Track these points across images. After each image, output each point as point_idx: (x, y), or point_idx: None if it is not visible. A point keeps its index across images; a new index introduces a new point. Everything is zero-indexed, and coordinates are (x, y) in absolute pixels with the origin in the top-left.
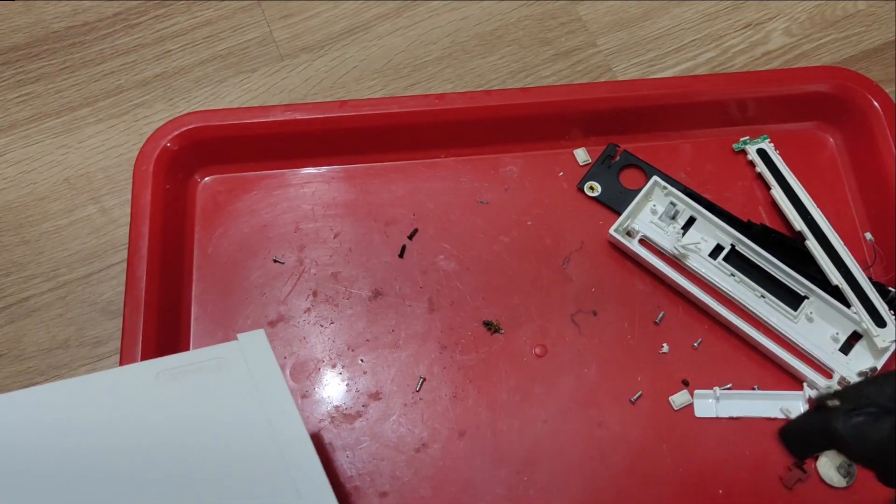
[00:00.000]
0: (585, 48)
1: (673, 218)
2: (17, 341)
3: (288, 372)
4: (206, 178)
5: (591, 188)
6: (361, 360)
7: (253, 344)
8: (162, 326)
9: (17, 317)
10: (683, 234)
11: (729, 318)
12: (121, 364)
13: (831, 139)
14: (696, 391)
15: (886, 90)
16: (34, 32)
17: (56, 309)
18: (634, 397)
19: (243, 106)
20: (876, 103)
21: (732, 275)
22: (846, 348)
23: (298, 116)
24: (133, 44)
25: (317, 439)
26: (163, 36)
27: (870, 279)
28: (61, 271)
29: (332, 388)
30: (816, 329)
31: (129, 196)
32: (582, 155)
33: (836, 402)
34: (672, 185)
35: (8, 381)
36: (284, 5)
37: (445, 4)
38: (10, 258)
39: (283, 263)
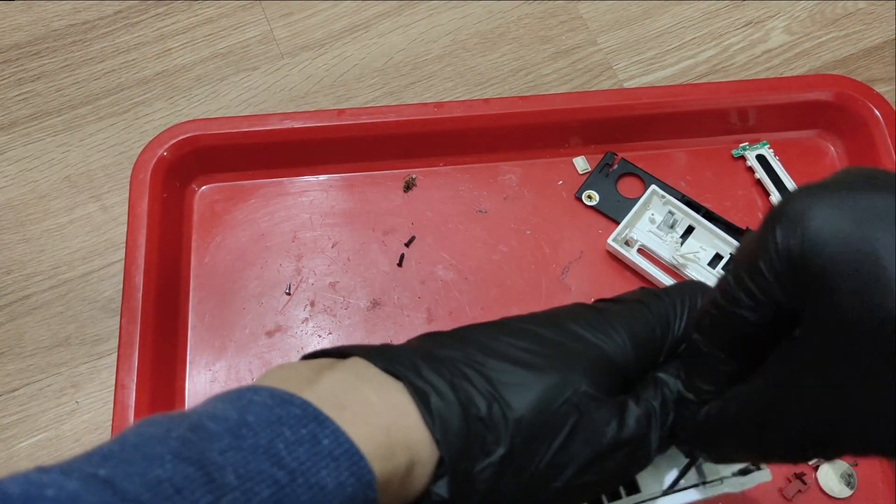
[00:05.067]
0: (586, 46)
1: (671, 227)
2: (17, 339)
3: None
4: (204, 187)
5: (590, 197)
6: None
7: None
8: (159, 336)
9: (17, 314)
10: (682, 244)
11: None
12: (117, 374)
13: (832, 148)
14: None
15: (887, 88)
16: (34, 31)
17: (57, 307)
18: None
19: (244, 103)
20: (877, 112)
21: None
22: None
23: (296, 125)
24: (134, 42)
25: None
26: (163, 34)
27: None
28: (62, 269)
29: None
30: None
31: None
32: (581, 163)
33: None
34: (670, 194)
35: (9, 379)
36: (285, 4)
37: (445, 3)
38: (10, 256)
39: (290, 295)
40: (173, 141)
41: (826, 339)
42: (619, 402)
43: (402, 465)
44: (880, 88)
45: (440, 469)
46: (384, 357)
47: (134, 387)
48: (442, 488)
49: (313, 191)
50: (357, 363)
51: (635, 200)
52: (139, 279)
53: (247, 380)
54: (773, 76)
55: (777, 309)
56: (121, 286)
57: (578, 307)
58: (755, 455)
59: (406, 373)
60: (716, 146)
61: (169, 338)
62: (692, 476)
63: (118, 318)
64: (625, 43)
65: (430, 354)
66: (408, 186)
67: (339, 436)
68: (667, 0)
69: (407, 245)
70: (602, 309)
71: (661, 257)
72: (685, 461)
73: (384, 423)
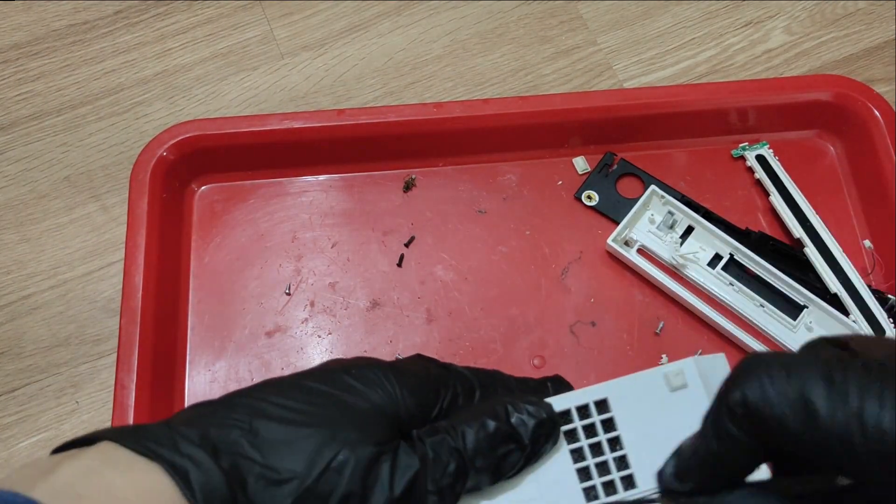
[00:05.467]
0: (586, 46)
1: (671, 227)
2: (17, 339)
3: None
4: (203, 188)
5: (589, 197)
6: None
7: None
8: (158, 336)
9: (17, 314)
10: (682, 244)
11: (728, 328)
12: (117, 374)
13: (831, 148)
14: None
15: (887, 88)
16: (35, 30)
17: (57, 307)
18: None
19: (244, 104)
20: (877, 112)
21: (731, 284)
22: None
23: (296, 125)
24: (134, 42)
25: None
26: (163, 34)
27: (869, 287)
28: (62, 269)
29: None
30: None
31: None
32: (581, 163)
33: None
34: (670, 194)
35: (9, 379)
36: (285, 4)
37: (445, 3)
38: (10, 256)
39: (289, 295)
40: (173, 141)
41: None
42: (393, 447)
43: None
44: (880, 88)
45: None
46: (135, 437)
47: (134, 387)
48: None
49: (313, 191)
50: (105, 447)
51: (635, 201)
52: (139, 279)
53: (246, 380)
54: (773, 76)
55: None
56: (120, 286)
57: (361, 359)
58: None
59: (160, 450)
60: (715, 146)
61: (169, 338)
62: None
63: (118, 318)
64: (625, 43)
65: (192, 426)
66: (407, 186)
67: None
68: (667, 0)
69: (407, 245)
70: (382, 361)
71: (660, 257)
72: None
73: None
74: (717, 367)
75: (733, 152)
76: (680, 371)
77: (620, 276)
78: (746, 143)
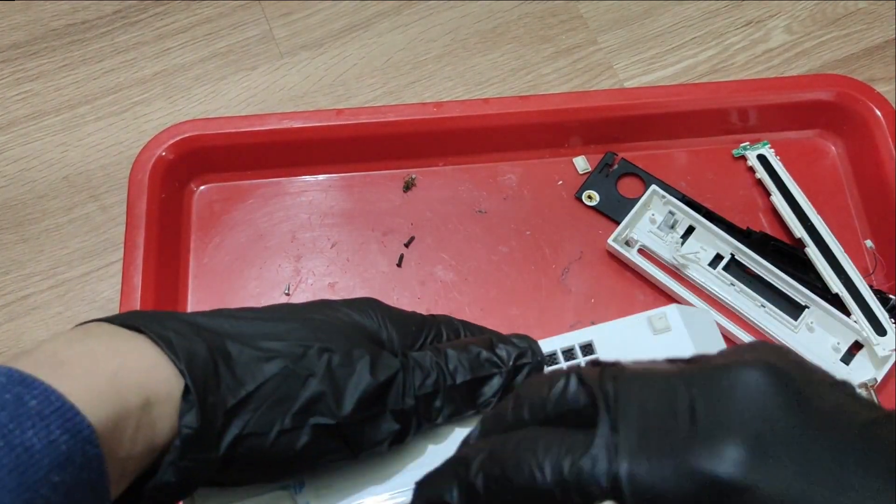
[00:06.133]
0: (586, 46)
1: (672, 227)
2: (16, 339)
3: None
4: (202, 187)
5: (590, 197)
6: None
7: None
8: None
9: (16, 315)
10: (682, 244)
11: (729, 328)
12: None
13: (833, 147)
14: None
15: (887, 88)
16: (33, 30)
17: (56, 307)
18: None
19: (243, 103)
20: (878, 112)
21: (732, 284)
22: (847, 358)
23: (295, 125)
24: (132, 41)
25: None
26: (162, 34)
27: (870, 287)
28: (61, 269)
29: None
30: (817, 339)
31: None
32: (581, 163)
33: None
34: (670, 194)
35: None
36: (284, 3)
37: (445, 2)
38: (9, 256)
39: (289, 295)
40: (172, 141)
41: None
42: (375, 350)
43: (132, 406)
44: (881, 88)
45: (188, 403)
46: (123, 315)
47: None
48: (191, 419)
49: (312, 191)
50: (91, 325)
51: (635, 200)
52: (138, 280)
53: None
54: (773, 76)
55: None
56: (119, 286)
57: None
58: None
59: (146, 323)
60: (716, 146)
61: None
62: None
63: None
64: (625, 42)
65: (179, 317)
66: (407, 186)
67: (49, 394)
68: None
69: (406, 245)
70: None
71: (661, 258)
72: None
73: (109, 368)
74: (702, 318)
75: (734, 152)
76: (663, 315)
77: (621, 276)
78: (747, 143)
